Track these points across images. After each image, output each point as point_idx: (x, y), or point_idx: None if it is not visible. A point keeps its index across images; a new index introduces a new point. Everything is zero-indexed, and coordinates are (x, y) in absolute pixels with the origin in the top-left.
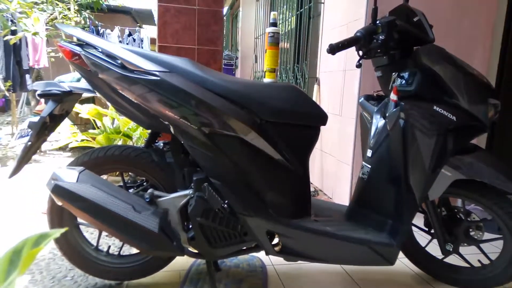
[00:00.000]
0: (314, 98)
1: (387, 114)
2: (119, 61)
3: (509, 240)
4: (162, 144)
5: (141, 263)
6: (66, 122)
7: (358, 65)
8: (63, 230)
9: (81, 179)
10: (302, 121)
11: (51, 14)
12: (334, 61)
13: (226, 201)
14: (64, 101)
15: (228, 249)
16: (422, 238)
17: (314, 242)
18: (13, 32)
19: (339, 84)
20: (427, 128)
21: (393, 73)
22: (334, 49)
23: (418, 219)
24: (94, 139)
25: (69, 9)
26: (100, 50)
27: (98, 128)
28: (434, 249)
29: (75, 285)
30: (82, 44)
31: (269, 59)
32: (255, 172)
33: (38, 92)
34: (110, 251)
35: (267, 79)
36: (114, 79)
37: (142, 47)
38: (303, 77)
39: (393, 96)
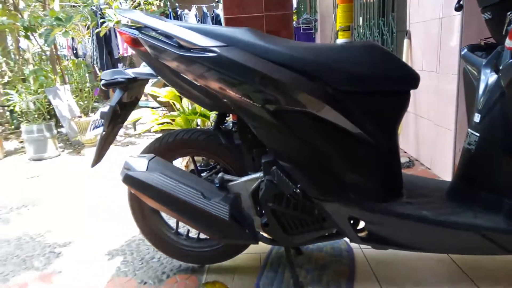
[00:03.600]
0: (404, 55)
1: (500, 67)
2: (176, 41)
3: None
4: (231, 125)
5: (220, 247)
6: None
7: (458, 7)
8: None
9: (151, 167)
10: (386, 87)
11: (134, 1)
12: (428, 8)
13: (299, 185)
14: (130, 88)
15: (306, 236)
16: None
17: (408, 229)
18: (102, 24)
19: (435, 35)
20: None
21: (509, 13)
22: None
23: None
24: (173, 121)
25: None
26: (157, 31)
27: (177, 110)
28: None
29: (161, 267)
30: (140, 27)
31: (341, 15)
32: (331, 151)
33: (102, 82)
34: (190, 235)
35: (340, 40)
36: (172, 61)
37: (220, 24)
38: (390, 32)
39: (509, 43)
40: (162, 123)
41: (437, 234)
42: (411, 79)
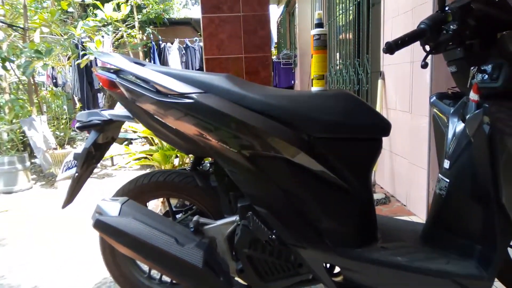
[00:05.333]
0: (378, 95)
1: (467, 117)
2: (154, 86)
3: None
4: (208, 165)
5: None
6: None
7: (424, 65)
8: None
9: (124, 211)
10: (359, 134)
11: (117, 34)
12: (400, 51)
13: (274, 231)
14: (106, 130)
15: (282, 282)
16: None
17: (382, 275)
18: (84, 56)
19: (407, 77)
20: None
21: (472, 68)
22: (392, 48)
23: None
24: (151, 155)
25: (133, 27)
26: (135, 76)
27: (155, 145)
28: None
29: None
30: (118, 70)
31: (316, 65)
32: (306, 197)
33: (77, 125)
34: (163, 279)
35: (315, 88)
36: (149, 105)
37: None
38: (365, 72)
39: (473, 96)
40: (139, 159)
41: (411, 280)
42: (383, 127)
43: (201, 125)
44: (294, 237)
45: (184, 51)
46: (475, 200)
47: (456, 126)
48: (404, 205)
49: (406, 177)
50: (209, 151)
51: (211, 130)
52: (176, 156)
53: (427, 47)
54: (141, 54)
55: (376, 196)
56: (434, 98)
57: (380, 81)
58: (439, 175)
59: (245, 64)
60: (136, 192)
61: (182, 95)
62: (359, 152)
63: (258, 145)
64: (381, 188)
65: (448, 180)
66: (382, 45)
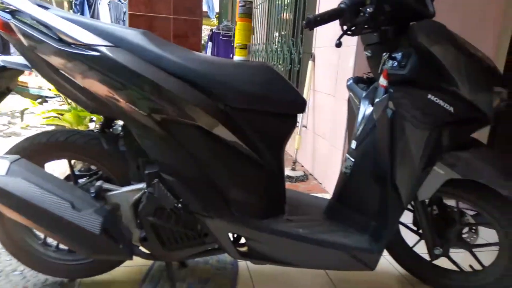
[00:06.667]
0: (308, 76)
1: (375, 101)
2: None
3: (504, 249)
4: (120, 129)
5: (94, 260)
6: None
7: (338, 44)
8: None
9: (12, 170)
10: (276, 108)
11: None
12: (330, 34)
13: (181, 200)
14: None
15: (186, 251)
16: (410, 236)
17: (284, 246)
18: None
19: (335, 61)
20: (419, 120)
21: (384, 54)
22: (311, 23)
23: (407, 217)
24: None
25: None
26: (35, 19)
27: (68, 104)
28: (422, 249)
29: (23, 281)
30: (15, 11)
31: (239, 34)
32: (217, 167)
33: None
34: (60, 246)
35: (237, 57)
36: (50, 55)
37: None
38: (297, 52)
39: (382, 81)
40: (49, 117)
41: (310, 252)
42: (299, 103)
43: (108, 82)
44: (201, 206)
45: (111, 6)
46: (373, 180)
47: (366, 109)
48: (320, 184)
49: (324, 157)
50: (116, 111)
51: (118, 89)
52: (92, 120)
53: (345, 28)
54: (66, 5)
55: (295, 173)
56: (351, 81)
57: (310, 63)
58: (346, 154)
59: (174, 26)
60: (32, 151)
61: (88, 46)
62: (273, 126)
63: (170, 110)
64: (302, 166)
65: (353, 160)
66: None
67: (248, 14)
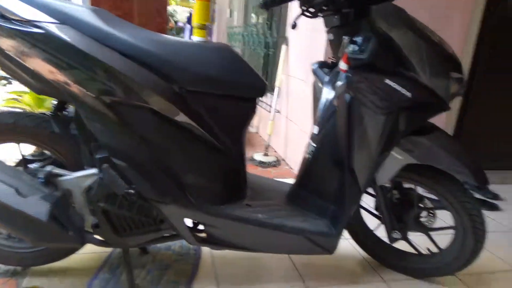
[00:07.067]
0: (281, 60)
1: (335, 86)
2: None
3: (461, 232)
4: (73, 111)
5: (48, 248)
6: None
7: (293, 25)
8: None
9: None
10: (234, 92)
11: None
12: (303, 19)
13: (133, 186)
14: None
15: (141, 237)
16: (372, 220)
17: (243, 231)
18: None
19: (307, 45)
20: (376, 105)
21: (344, 37)
22: (267, 3)
23: (369, 201)
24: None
25: None
26: None
27: None
28: (383, 232)
29: None
30: None
31: (198, 13)
32: (172, 152)
33: None
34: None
35: (195, 38)
36: None
37: None
38: (272, 36)
39: (342, 65)
40: (9, 99)
41: (269, 237)
42: (258, 87)
43: (54, 62)
44: (155, 192)
45: None
46: (333, 165)
47: (328, 94)
48: (292, 169)
49: (296, 143)
50: (64, 93)
51: (64, 69)
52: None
53: (304, 8)
54: None
55: (267, 159)
56: (316, 66)
57: (284, 47)
58: (309, 139)
59: (138, 5)
60: None
61: (31, 23)
62: (232, 110)
63: (121, 92)
64: (275, 151)
65: (315, 145)
66: (289, 8)
67: None
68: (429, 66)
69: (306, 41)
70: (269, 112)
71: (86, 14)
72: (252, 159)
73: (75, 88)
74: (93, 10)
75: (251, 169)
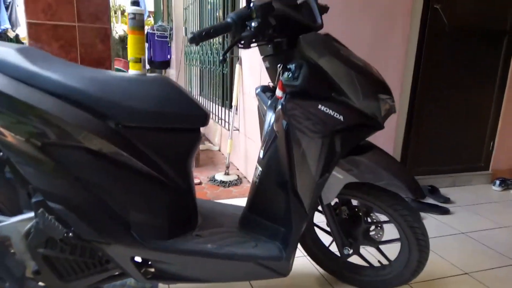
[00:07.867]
0: (236, 79)
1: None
2: None
3: (405, 243)
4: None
5: None
6: None
7: (222, 60)
8: None
9: None
10: (174, 124)
11: None
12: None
13: (72, 229)
14: None
15: (88, 279)
16: (326, 236)
17: (192, 264)
18: None
19: (257, 66)
20: (310, 130)
21: (278, 65)
22: (196, 39)
23: (323, 218)
24: None
25: None
26: None
27: None
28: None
29: None
30: None
31: (132, 47)
32: (112, 190)
33: None
34: None
35: (132, 71)
36: None
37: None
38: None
39: (278, 92)
40: None
41: (221, 266)
42: (200, 117)
43: None
44: (96, 233)
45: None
46: (278, 188)
47: (270, 119)
48: None
49: (255, 160)
50: None
51: None
52: None
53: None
54: None
55: (228, 178)
56: (259, 90)
57: (237, 66)
58: (256, 163)
59: (79, 35)
60: None
61: None
62: (174, 142)
63: (52, 133)
64: (237, 169)
65: (261, 169)
66: None
67: (139, 26)
68: (357, 89)
69: (257, 60)
70: (229, 130)
71: (10, 54)
72: (213, 179)
73: (2, 131)
74: (19, 49)
75: (212, 189)
